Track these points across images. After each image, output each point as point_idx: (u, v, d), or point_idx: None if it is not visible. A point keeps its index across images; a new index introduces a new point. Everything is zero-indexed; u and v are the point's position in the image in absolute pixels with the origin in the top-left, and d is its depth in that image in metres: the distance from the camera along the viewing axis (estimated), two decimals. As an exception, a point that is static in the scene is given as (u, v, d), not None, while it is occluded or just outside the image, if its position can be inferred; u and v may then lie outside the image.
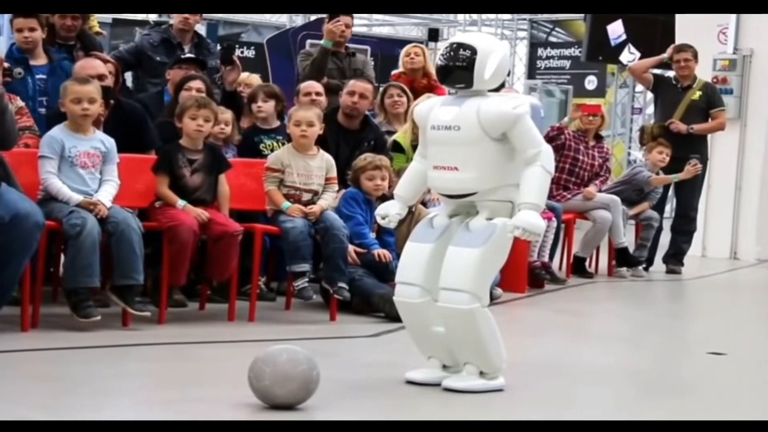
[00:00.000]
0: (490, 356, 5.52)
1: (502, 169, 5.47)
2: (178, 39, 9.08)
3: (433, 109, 5.64)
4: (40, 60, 8.00)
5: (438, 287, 5.48)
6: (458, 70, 5.51)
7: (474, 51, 5.48)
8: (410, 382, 5.62)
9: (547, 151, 5.46)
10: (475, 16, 23.05)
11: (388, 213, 5.82)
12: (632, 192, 11.03)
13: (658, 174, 10.99)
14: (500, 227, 5.43)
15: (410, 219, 8.09)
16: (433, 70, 9.95)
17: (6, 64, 7.38)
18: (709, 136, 11.61)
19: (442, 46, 23.82)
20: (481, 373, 5.55)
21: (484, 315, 5.47)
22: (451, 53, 5.53)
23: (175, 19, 9.11)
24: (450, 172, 5.52)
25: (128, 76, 9.40)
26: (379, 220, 5.92)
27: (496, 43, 5.67)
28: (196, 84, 8.03)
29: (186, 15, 9.02)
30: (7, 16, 11.18)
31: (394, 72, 10.79)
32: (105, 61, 7.98)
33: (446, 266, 5.45)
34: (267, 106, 8.46)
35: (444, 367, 5.65)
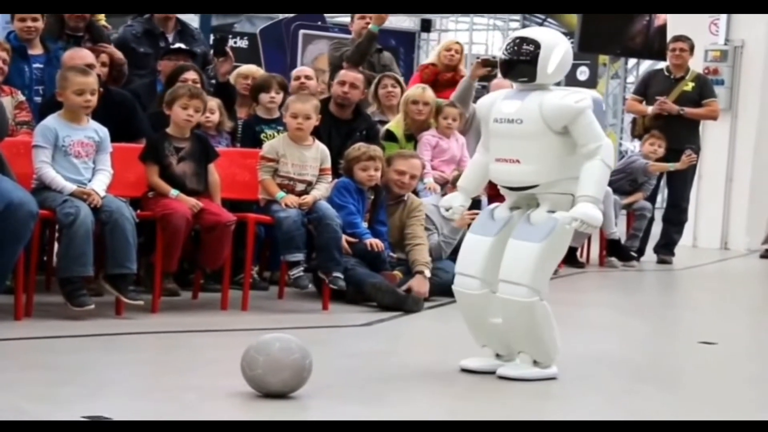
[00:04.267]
0: (546, 347, 5.59)
1: (563, 162, 5.51)
2: (160, 28, 9.05)
3: (495, 103, 5.67)
4: (37, 50, 8.06)
5: (497, 279, 5.53)
6: (521, 64, 5.55)
7: (537, 45, 5.52)
8: (465, 370, 5.67)
9: (608, 146, 5.51)
10: (467, 6, 23.00)
11: (452, 205, 5.88)
12: (626, 182, 11.05)
13: None
14: (561, 221, 5.47)
15: (402, 207, 8.13)
16: (464, 67, 10.02)
17: None
18: (700, 128, 11.64)
19: (433, 36, 23.75)
20: (535, 362, 5.61)
21: (543, 308, 5.53)
22: (515, 48, 5.57)
23: None
24: (512, 164, 5.57)
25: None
26: (442, 212, 6.00)
27: (559, 37, 5.69)
28: (191, 75, 8.04)
29: None
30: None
31: (423, 62, 10.86)
32: (99, 53, 7.98)
33: (507, 259, 5.50)
34: (279, 98, 8.46)
35: (497, 355, 5.71)
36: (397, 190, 8.18)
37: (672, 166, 11.02)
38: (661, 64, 12.14)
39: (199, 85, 7.89)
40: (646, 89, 11.56)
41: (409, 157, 8.30)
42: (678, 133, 11.08)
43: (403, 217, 8.15)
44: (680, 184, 11.42)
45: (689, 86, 11.27)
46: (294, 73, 9.66)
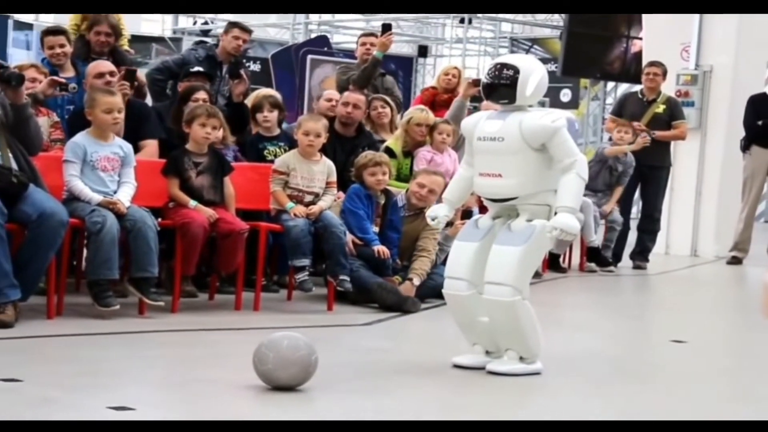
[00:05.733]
0: (529, 343, 5.59)
1: (541, 176, 5.54)
2: (220, 58, 9.08)
3: (479, 122, 5.70)
4: (69, 72, 8.11)
5: (483, 281, 5.54)
6: (502, 88, 5.57)
7: (517, 70, 5.55)
8: (457, 366, 5.67)
9: (582, 160, 5.54)
10: (460, 34, 23.07)
11: (437, 215, 5.89)
12: (607, 173, 10.97)
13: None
14: (539, 228, 5.50)
15: (421, 219, 8.07)
16: (461, 89, 10.11)
17: (62, 79, 7.56)
18: (672, 146, 11.66)
19: (429, 61, 23.80)
20: (521, 358, 5.61)
21: (525, 307, 5.55)
22: (496, 72, 5.60)
23: (228, 44, 9.05)
24: (494, 178, 5.59)
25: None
26: (429, 221, 6.01)
27: (536, 63, 5.73)
28: (202, 95, 8.03)
29: (239, 43, 9.00)
30: (36, 33, 11.10)
31: (426, 86, 10.96)
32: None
33: (490, 263, 5.52)
34: (272, 116, 8.48)
35: (487, 352, 5.71)
36: (415, 202, 8.18)
37: (628, 148, 10.91)
38: (637, 87, 12.15)
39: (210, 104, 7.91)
40: (622, 110, 11.56)
41: (432, 174, 8.29)
42: (651, 152, 11.08)
43: (419, 229, 8.12)
44: (653, 196, 11.46)
45: (660, 108, 11.29)
46: (326, 95, 9.62)
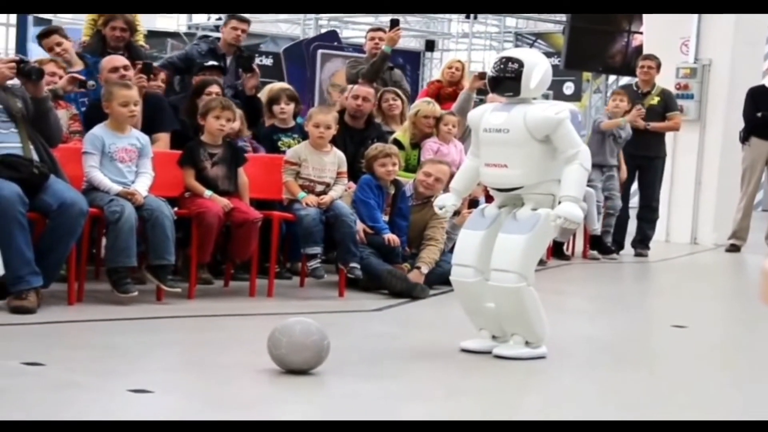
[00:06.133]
0: (535, 328, 5.59)
1: (545, 166, 5.54)
2: (223, 50, 9.09)
3: (485, 114, 5.70)
4: (78, 66, 8.12)
5: (489, 268, 5.55)
6: (507, 81, 5.57)
7: (521, 64, 5.55)
8: (465, 350, 5.68)
9: (585, 151, 5.54)
10: (467, 29, 23.07)
11: (445, 204, 5.90)
12: (612, 142, 10.91)
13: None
14: (543, 217, 5.50)
15: (429, 208, 8.07)
16: (466, 83, 10.10)
17: (82, 77, 7.58)
18: (672, 137, 11.65)
19: (436, 55, 23.80)
20: (527, 343, 5.62)
21: (530, 292, 5.55)
22: (501, 66, 5.60)
23: (227, 35, 9.09)
24: (500, 168, 5.60)
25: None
26: (436, 210, 5.99)
27: (540, 57, 5.73)
28: (214, 88, 8.04)
29: (238, 33, 9.03)
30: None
31: (431, 80, 10.95)
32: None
33: (497, 250, 5.52)
34: (289, 108, 8.49)
35: (493, 337, 5.72)
36: (422, 190, 8.18)
37: (623, 120, 10.87)
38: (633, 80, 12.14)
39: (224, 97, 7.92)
40: None
41: (438, 163, 8.29)
42: (647, 142, 11.10)
43: (427, 218, 8.12)
44: (650, 187, 11.46)
45: (655, 100, 11.29)
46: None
